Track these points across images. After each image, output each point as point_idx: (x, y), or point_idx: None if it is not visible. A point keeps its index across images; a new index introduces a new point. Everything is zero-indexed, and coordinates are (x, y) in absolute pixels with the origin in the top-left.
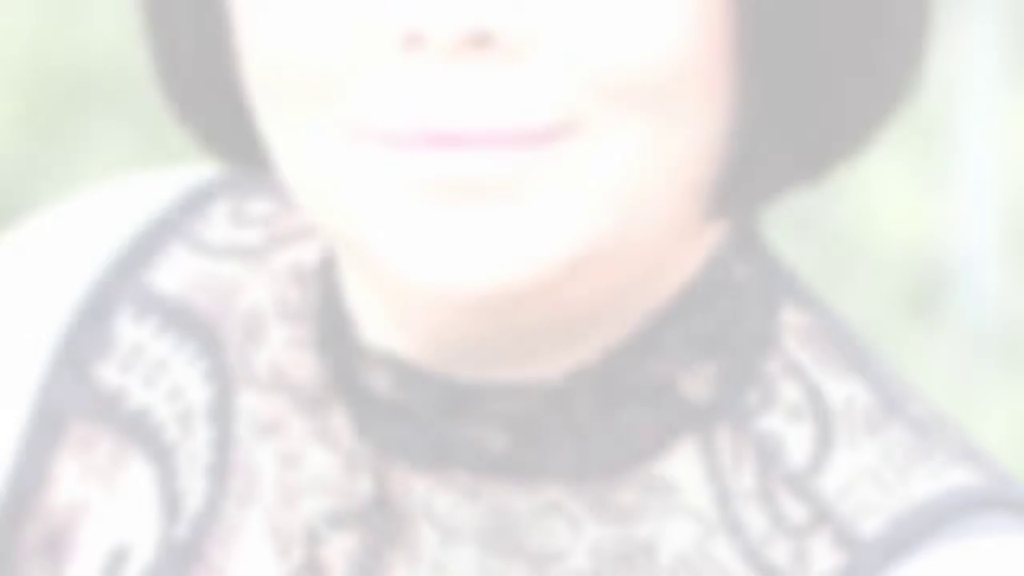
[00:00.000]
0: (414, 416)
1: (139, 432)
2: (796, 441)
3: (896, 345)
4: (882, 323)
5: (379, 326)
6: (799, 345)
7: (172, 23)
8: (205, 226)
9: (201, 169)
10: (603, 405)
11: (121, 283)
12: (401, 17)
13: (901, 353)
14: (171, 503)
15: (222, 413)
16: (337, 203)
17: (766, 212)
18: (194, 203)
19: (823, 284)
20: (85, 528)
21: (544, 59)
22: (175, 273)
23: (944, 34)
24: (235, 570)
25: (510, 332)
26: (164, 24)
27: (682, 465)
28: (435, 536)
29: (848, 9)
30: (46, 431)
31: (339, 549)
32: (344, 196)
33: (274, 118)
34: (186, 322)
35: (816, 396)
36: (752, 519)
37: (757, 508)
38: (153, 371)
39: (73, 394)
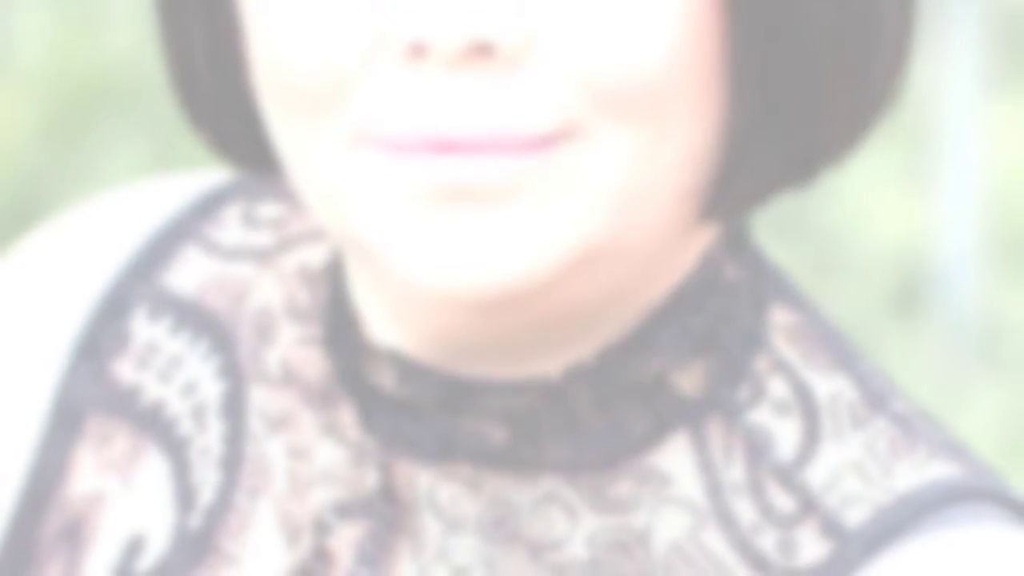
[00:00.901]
0: (418, 411)
1: (154, 426)
2: (784, 435)
3: (880, 343)
4: (866, 322)
5: (384, 325)
6: (787, 343)
7: (186, 33)
8: (217, 229)
9: (214, 174)
10: (599, 400)
11: (137, 283)
12: (404, 27)
13: (885, 351)
14: (185, 495)
15: (234, 408)
16: (342, 206)
17: (754, 214)
18: (207, 206)
19: (809, 284)
20: (102, 518)
21: (543, 67)
22: (189, 274)
23: (926, 41)
24: (247, 559)
25: (510, 331)
26: (178, 34)
27: (675, 458)
28: (438, 526)
29: (835, 18)
30: (65, 425)
31: (346, 538)
32: (348, 200)
33: (282, 124)
34: (199, 321)
35: (803, 392)
36: (742, 510)
37: (747, 499)
38: (168, 367)
39: (91, 389)
